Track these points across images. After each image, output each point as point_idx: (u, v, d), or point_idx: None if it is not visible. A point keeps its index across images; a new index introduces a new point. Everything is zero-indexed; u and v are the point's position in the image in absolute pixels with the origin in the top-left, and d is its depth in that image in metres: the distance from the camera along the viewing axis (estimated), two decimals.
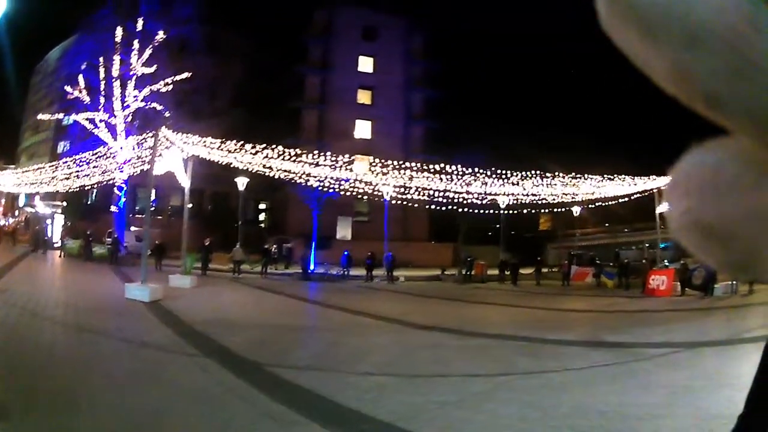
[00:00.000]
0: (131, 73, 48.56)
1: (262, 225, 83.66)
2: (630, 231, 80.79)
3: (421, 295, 33.97)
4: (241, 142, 32.44)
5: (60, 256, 46.51)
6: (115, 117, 48.61)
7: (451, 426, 8.05)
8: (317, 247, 50.82)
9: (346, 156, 38.94)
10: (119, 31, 47.29)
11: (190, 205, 33.38)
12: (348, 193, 43.38)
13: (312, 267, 45.76)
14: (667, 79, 1.27)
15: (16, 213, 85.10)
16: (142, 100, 49.05)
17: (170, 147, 27.85)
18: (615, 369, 11.95)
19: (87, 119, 49.35)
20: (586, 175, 40.79)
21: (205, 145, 30.97)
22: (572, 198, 45.88)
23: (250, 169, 36.08)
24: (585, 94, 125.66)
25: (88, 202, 68.95)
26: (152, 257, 35.77)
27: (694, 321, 22.19)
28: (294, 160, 35.02)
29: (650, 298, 34.02)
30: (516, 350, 14.48)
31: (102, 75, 48.76)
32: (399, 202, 45.42)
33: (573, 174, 40.90)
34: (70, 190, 48.14)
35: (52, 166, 46.21)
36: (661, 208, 39.55)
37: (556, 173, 41.06)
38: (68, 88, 50.51)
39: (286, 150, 34.78)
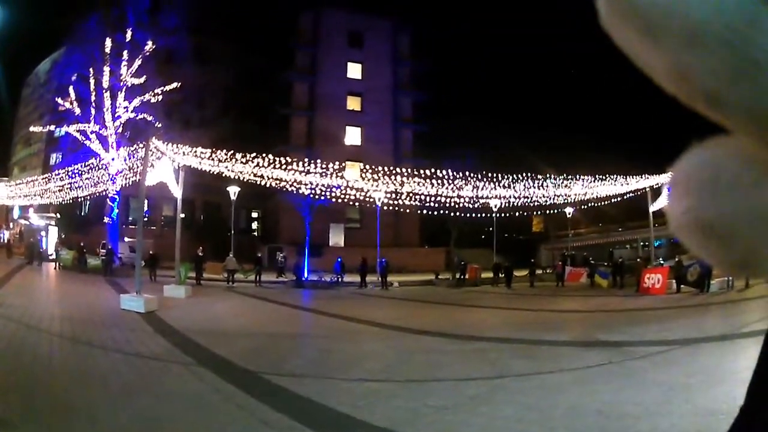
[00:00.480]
0: (121, 83, 48.46)
1: (255, 234, 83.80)
2: (623, 230, 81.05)
3: (415, 300, 34.13)
4: (232, 152, 32.42)
5: (55, 268, 46.47)
6: (106, 128, 48.44)
7: (447, 430, 8.13)
8: (310, 255, 50.80)
9: (337, 163, 38.90)
10: (108, 42, 47.27)
11: (182, 215, 33.38)
12: (339, 200, 43.40)
13: (305, 274, 45.70)
14: (667, 79, 1.26)
15: (11, 225, 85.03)
16: (132, 111, 48.93)
17: (161, 157, 27.81)
18: (611, 368, 12.03)
19: (78, 131, 49.16)
20: (578, 176, 40.81)
21: (195, 155, 30.96)
22: (564, 199, 45.84)
23: (241, 178, 36.00)
24: (576, 94, 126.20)
25: (82, 214, 68.84)
26: (146, 268, 36.10)
27: (690, 318, 22.37)
28: (285, 168, 35.01)
29: (645, 296, 34.00)
30: (511, 353, 14.58)
31: (92, 86, 48.67)
32: (390, 207, 45.42)
33: (564, 175, 40.93)
34: (63, 202, 48.08)
35: (45, 178, 46.24)
36: (654, 206, 39.73)
37: (548, 174, 41.09)
38: (59, 100, 50.42)
39: (277, 158, 34.77)
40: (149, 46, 47.89)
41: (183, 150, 29.91)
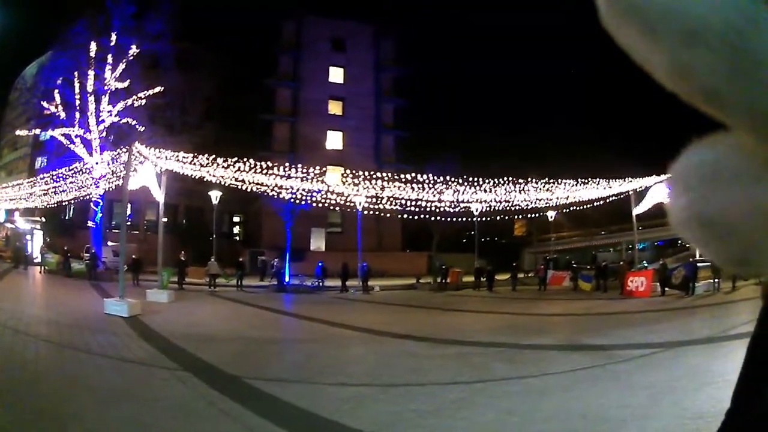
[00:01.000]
0: (105, 88, 48.68)
1: (237, 238, 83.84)
2: (606, 233, 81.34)
3: (397, 305, 33.98)
4: (213, 156, 32.41)
5: (40, 272, 46.55)
6: (90, 132, 48.67)
7: None
8: (291, 259, 50.84)
9: (318, 167, 38.88)
10: (93, 46, 47.47)
11: (165, 220, 33.39)
12: (321, 205, 43.33)
13: (287, 279, 45.72)
14: (667, 76, 1.28)
15: None
16: (116, 115, 49.18)
17: (144, 162, 27.78)
18: (595, 372, 12.05)
19: (63, 135, 49.39)
20: (560, 180, 40.87)
21: (178, 160, 30.96)
22: (547, 203, 45.95)
23: (222, 183, 36.00)
24: (560, 97, 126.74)
25: (66, 218, 69.04)
26: (129, 272, 36.10)
27: (675, 320, 22.23)
28: (266, 173, 34.99)
29: (629, 299, 33.93)
30: (493, 356, 14.57)
31: (77, 90, 48.81)
32: (372, 212, 45.42)
33: (546, 179, 40.98)
34: (48, 206, 48.16)
35: (30, 182, 46.19)
36: (638, 209, 39.86)
37: (530, 179, 41.13)
38: (45, 104, 50.62)
39: (258, 163, 34.75)
40: (133, 50, 48.27)
41: (165, 154, 29.89)
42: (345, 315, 27.35)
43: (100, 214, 49.60)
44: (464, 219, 48.99)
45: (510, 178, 40.64)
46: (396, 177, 40.24)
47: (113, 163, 36.04)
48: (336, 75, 77.72)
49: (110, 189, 38.38)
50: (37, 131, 56.69)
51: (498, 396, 10.14)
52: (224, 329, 20.92)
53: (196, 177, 34.22)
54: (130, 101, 49.05)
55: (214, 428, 8.25)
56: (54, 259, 48.26)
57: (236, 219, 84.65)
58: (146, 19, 49.37)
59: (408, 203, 42.06)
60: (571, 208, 49.63)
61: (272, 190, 37.39)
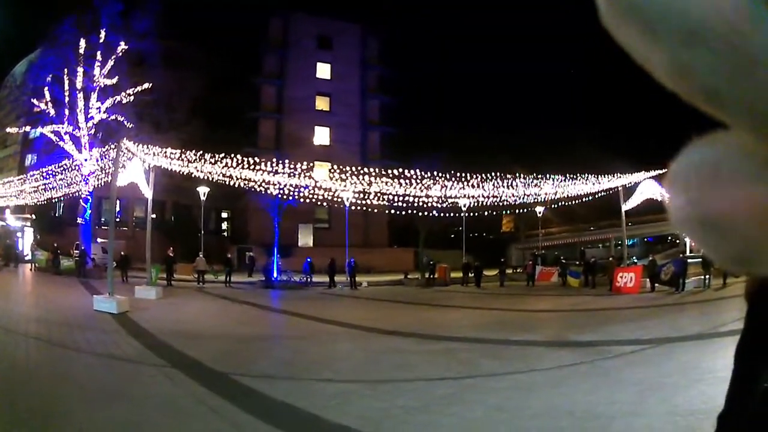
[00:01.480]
0: (94, 84, 48.91)
1: (225, 234, 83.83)
2: (595, 229, 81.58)
3: (384, 300, 34.10)
4: (201, 152, 32.36)
5: (31, 269, 46.97)
6: (79, 129, 48.95)
7: (416, 431, 8.17)
8: (279, 255, 50.86)
9: (305, 163, 38.81)
10: (82, 44, 47.69)
11: (153, 216, 33.39)
12: (308, 201, 43.33)
13: (275, 275, 45.72)
14: (666, 76, 1.29)
15: None
16: (104, 112, 49.42)
17: (132, 158, 27.72)
18: (584, 368, 12.03)
19: (52, 132, 49.54)
20: (548, 175, 40.84)
21: (165, 156, 30.90)
22: (535, 198, 45.91)
23: (210, 179, 35.96)
24: (546, 94, 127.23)
25: (56, 215, 68.99)
26: (118, 269, 36.08)
27: (664, 317, 22.11)
28: (253, 169, 34.97)
29: (618, 295, 33.89)
30: (481, 352, 14.57)
31: (66, 87, 48.91)
32: (359, 208, 45.45)
33: (535, 174, 40.93)
34: (38, 203, 48.13)
35: (21, 179, 46.23)
36: (627, 205, 39.93)
37: (517, 174, 41.08)
38: (34, 101, 50.79)
39: (245, 158, 34.72)
40: (121, 47, 48.50)
41: (153, 151, 29.84)
42: (332, 311, 27.24)
43: (89, 211, 49.69)
44: (452, 215, 49.15)
45: (498, 173, 40.53)
46: (384, 172, 40.13)
47: (102, 160, 36.01)
48: (323, 71, 77.96)
49: (99, 186, 38.34)
50: (27, 128, 56.89)
51: (486, 392, 10.16)
52: (212, 326, 20.99)
53: (184, 173, 34.19)
54: (118, 98, 49.32)
55: (203, 425, 8.26)
56: (44, 257, 48.40)
57: (224, 215, 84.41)
58: (133, 17, 49.63)
59: (395, 198, 42.03)
60: (560, 204, 49.71)
61: (260, 186, 37.29)
